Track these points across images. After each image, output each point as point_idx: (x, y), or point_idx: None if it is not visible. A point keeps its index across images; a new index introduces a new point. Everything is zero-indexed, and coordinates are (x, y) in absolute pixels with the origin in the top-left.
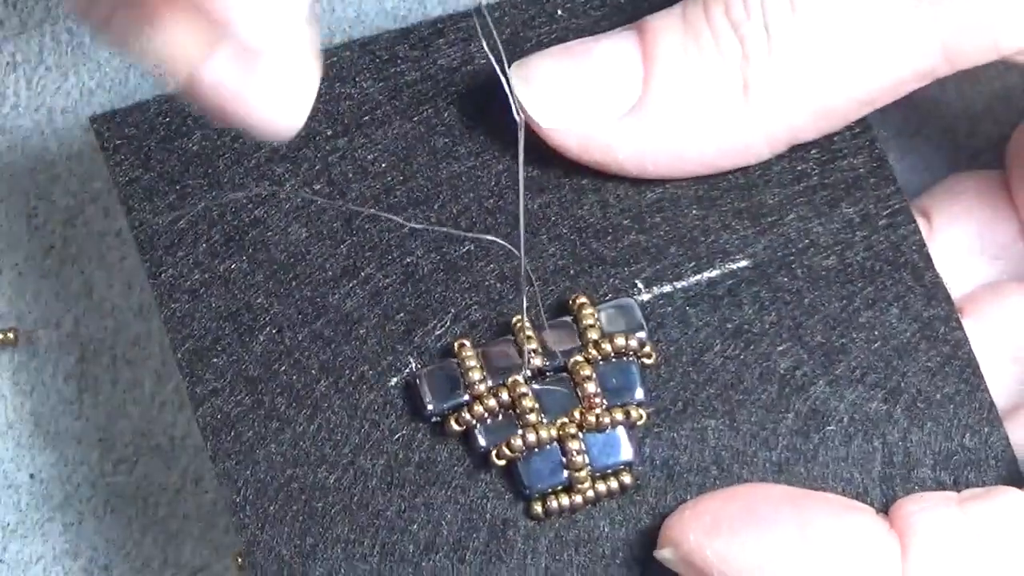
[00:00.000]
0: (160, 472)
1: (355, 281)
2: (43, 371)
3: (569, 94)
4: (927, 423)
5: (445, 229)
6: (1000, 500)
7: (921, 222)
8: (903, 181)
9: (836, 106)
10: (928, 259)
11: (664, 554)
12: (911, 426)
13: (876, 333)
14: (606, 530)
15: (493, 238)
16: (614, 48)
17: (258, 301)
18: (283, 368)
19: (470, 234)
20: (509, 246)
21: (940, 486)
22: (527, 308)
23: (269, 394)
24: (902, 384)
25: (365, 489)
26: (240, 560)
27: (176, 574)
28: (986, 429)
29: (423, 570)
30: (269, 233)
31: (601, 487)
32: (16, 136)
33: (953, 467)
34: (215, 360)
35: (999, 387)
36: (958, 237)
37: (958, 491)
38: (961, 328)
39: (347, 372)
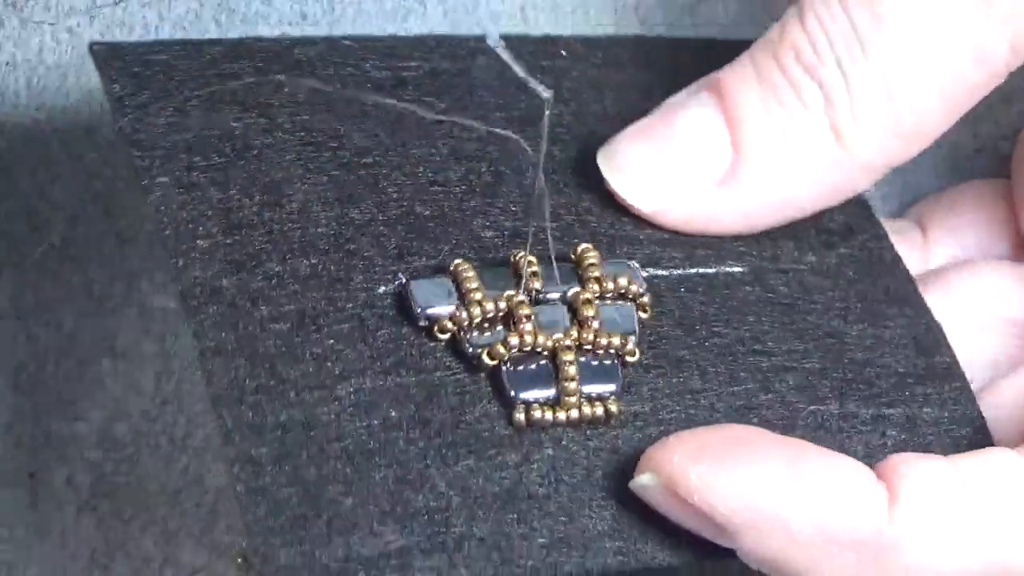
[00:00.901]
0: (160, 472)
1: (352, 208)
2: (43, 371)
3: (663, 176)
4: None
5: (467, 121)
6: (991, 457)
7: (916, 234)
8: (901, 184)
9: (924, 125)
10: (918, 294)
11: (643, 480)
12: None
13: (868, 343)
14: (582, 454)
15: (511, 134)
16: (696, 118)
17: (252, 203)
18: (270, 263)
19: (491, 128)
20: (527, 147)
21: None
22: (529, 246)
23: (251, 277)
24: (889, 389)
25: (337, 364)
26: (240, 561)
27: (176, 574)
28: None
29: (387, 440)
30: (269, 151)
31: (587, 409)
32: (16, 136)
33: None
34: (199, 243)
35: (967, 357)
36: (954, 251)
37: None
38: (948, 344)
39: (333, 273)
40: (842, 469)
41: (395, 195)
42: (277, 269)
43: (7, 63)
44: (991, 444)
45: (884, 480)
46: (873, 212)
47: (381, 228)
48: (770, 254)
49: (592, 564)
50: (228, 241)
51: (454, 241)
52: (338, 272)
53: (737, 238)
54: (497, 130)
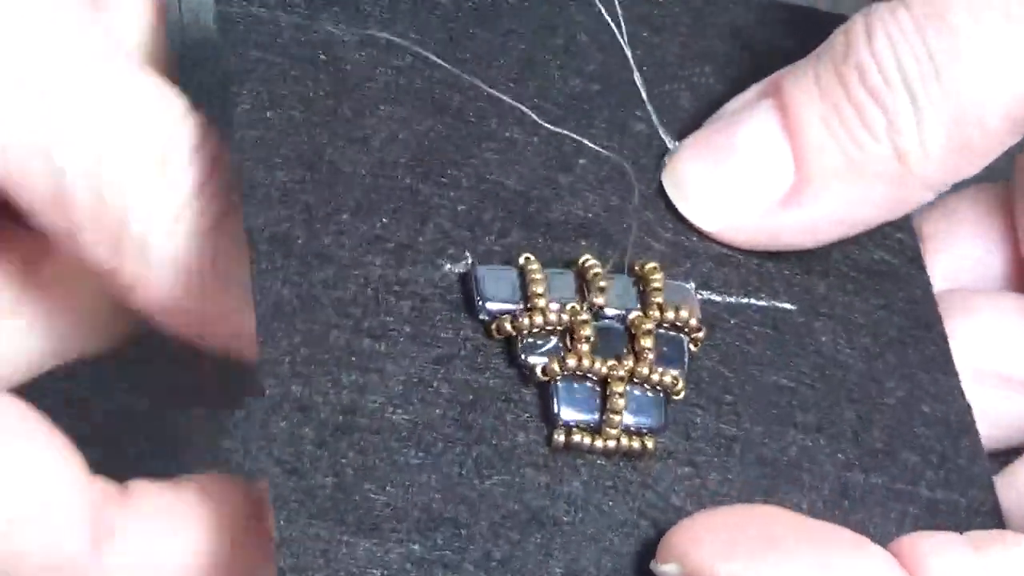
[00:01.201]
0: (160, 472)
1: (434, 159)
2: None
3: (725, 194)
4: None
5: (572, 135)
6: (1019, 551)
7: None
8: None
9: (990, 145)
10: (953, 367)
11: (666, 569)
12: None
13: (901, 413)
14: (611, 485)
15: (615, 156)
16: (757, 132)
17: (337, 135)
18: (344, 214)
19: (593, 145)
20: (628, 168)
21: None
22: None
23: (323, 227)
24: (914, 466)
25: (392, 346)
26: None
27: None
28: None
29: (427, 441)
30: (362, 70)
31: (624, 441)
32: None
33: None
34: (279, 175)
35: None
36: (954, 263)
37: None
38: (976, 429)
39: (403, 237)
40: (870, 569)
41: (478, 154)
42: (348, 222)
43: None
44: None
45: (909, 568)
46: (920, 251)
47: (458, 191)
48: (820, 293)
49: None
50: (307, 178)
51: (527, 220)
52: (408, 237)
53: (790, 265)
54: (603, 150)
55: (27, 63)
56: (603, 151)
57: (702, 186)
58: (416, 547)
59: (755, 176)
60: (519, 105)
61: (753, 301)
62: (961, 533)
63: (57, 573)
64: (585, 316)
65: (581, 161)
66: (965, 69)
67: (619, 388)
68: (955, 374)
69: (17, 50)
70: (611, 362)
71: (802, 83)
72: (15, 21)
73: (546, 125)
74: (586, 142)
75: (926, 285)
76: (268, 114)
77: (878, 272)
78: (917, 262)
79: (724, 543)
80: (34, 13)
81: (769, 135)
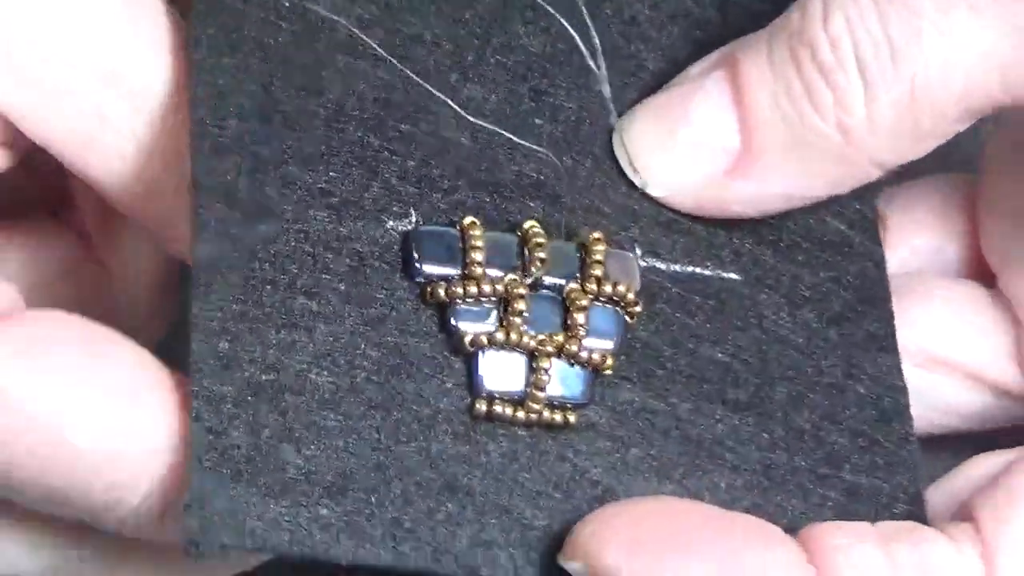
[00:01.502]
0: None
1: (389, 114)
2: None
3: (674, 161)
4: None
5: (494, 128)
6: (926, 551)
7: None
8: None
9: (941, 129)
10: (895, 347)
11: (573, 566)
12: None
13: (834, 393)
14: (528, 456)
15: (542, 151)
16: (709, 104)
17: (292, 85)
18: (292, 165)
19: (519, 141)
20: (557, 161)
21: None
22: (543, 219)
23: (268, 179)
24: (840, 450)
25: (324, 305)
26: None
27: None
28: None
29: (348, 405)
30: (321, 34)
31: (547, 414)
32: None
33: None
34: (230, 123)
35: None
36: (911, 251)
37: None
38: (909, 414)
39: (349, 192)
40: (775, 568)
41: (435, 110)
42: (296, 174)
43: None
44: (924, 522)
45: (816, 564)
46: (877, 223)
47: (410, 147)
48: (769, 263)
49: (504, 574)
50: (257, 128)
51: (477, 179)
52: (354, 192)
53: (740, 234)
54: (527, 144)
55: None
56: (535, 148)
57: (653, 151)
58: (324, 511)
59: (704, 146)
60: (448, 104)
61: (699, 270)
62: (876, 521)
63: None
64: (521, 290)
65: (538, 121)
66: (923, 53)
67: (545, 364)
68: (896, 354)
69: None
70: (541, 337)
71: (755, 57)
72: None
73: (472, 119)
74: (515, 139)
75: (879, 259)
76: (225, 60)
77: (832, 243)
78: (873, 235)
79: (629, 541)
80: None
81: (720, 107)
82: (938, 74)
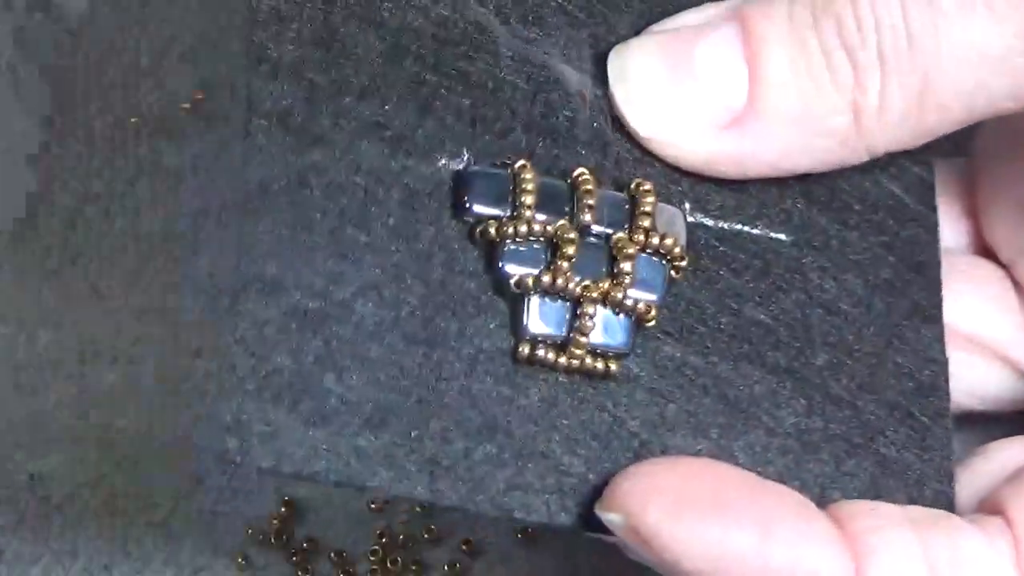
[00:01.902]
0: (160, 472)
1: (446, 50)
2: (43, 371)
3: (669, 103)
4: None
5: (551, 71)
6: (960, 541)
7: None
8: None
9: (941, 126)
10: (940, 317)
11: (612, 518)
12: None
13: (873, 362)
14: (569, 403)
15: (580, 80)
16: (717, 53)
17: (350, 11)
18: (346, 96)
19: (567, 68)
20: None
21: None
22: (594, 167)
23: (324, 107)
24: (876, 421)
25: (373, 237)
26: (240, 560)
27: (176, 574)
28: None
29: (391, 338)
30: None
31: (589, 362)
32: (16, 136)
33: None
34: (288, 48)
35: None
36: None
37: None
38: (947, 389)
39: (401, 128)
40: (812, 538)
41: (494, 49)
42: (350, 106)
43: (7, 64)
44: (953, 506)
45: (849, 542)
46: (934, 189)
47: (466, 85)
48: (820, 225)
49: (539, 518)
50: (315, 54)
51: (531, 123)
52: (407, 127)
53: (792, 193)
54: (573, 72)
55: None
56: (573, 72)
57: (647, 85)
58: (363, 442)
59: (704, 95)
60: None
61: (747, 229)
62: (909, 496)
63: None
64: (571, 234)
65: (595, 68)
66: (938, 49)
67: (590, 310)
68: (940, 325)
69: None
70: (586, 283)
71: (773, 17)
72: None
73: (528, 61)
74: (560, 65)
75: (933, 225)
76: None
77: (885, 207)
78: (929, 200)
79: (672, 501)
80: None
81: (729, 58)
82: (950, 71)
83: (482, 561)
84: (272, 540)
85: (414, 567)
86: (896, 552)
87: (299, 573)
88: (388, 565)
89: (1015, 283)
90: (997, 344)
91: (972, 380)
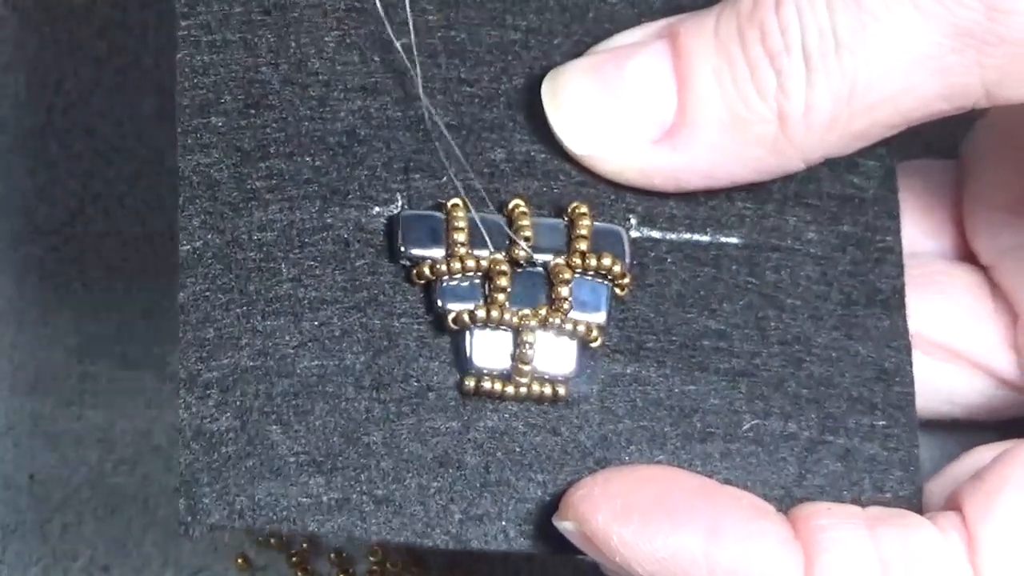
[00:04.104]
0: (160, 472)
1: (373, 102)
2: (43, 371)
3: (601, 120)
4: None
5: (435, 119)
6: (915, 537)
7: None
8: None
9: (874, 131)
10: (902, 303)
11: (566, 526)
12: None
13: (833, 355)
14: (520, 430)
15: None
16: (647, 69)
17: (276, 76)
18: (276, 158)
19: (440, 124)
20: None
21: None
22: (533, 195)
23: (253, 171)
24: (837, 414)
25: (311, 291)
26: (240, 560)
27: (176, 574)
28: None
29: (336, 386)
30: (306, 24)
31: (536, 388)
32: (16, 136)
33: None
34: (213, 120)
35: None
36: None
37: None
38: (911, 374)
39: (334, 181)
40: (761, 536)
41: (418, 91)
42: (281, 167)
43: (6, 63)
44: (919, 494)
45: (802, 541)
46: (894, 172)
47: (395, 132)
48: (772, 223)
49: (497, 546)
50: (242, 123)
51: (466, 161)
52: (339, 181)
53: (743, 195)
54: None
55: None
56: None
57: (580, 105)
58: (314, 488)
59: (636, 110)
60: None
61: (696, 237)
62: (876, 486)
63: None
64: (504, 267)
65: (528, 97)
66: (866, 51)
67: (529, 338)
68: (902, 311)
69: None
70: (525, 311)
71: (700, 31)
72: None
73: (428, 108)
74: (439, 122)
75: (893, 209)
76: (208, 57)
77: (843, 196)
78: (890, 184)
79: (620, 506)
80: None
81: (658, 73)
82: (879, 73)
83: (483, 562)
84: (272, 540)
85: (414, 567)
86: (847, 548)
87: (298, 573)
88: (388, 565)
89: (993, 286)
90: (973, 353)
91: (951, 388)
